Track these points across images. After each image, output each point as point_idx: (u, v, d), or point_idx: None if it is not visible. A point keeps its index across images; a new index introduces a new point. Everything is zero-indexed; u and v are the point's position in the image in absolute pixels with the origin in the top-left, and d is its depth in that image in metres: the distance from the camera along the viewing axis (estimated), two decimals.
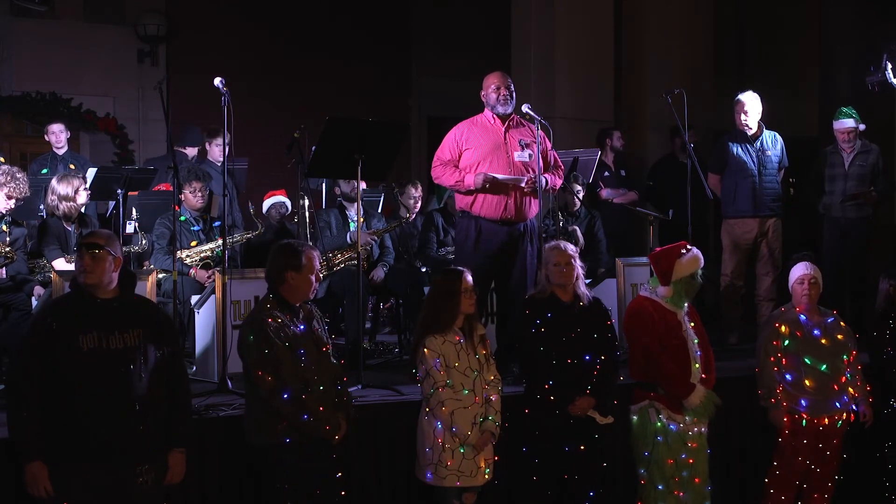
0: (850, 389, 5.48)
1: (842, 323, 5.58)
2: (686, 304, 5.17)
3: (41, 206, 6.58)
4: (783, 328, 5.46)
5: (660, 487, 5.01)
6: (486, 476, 4.78)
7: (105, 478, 3.88)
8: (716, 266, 7.95)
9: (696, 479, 5.04)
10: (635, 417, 5.13)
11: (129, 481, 3.93)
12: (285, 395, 4.25)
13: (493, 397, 4.83)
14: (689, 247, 5.20)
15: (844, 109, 7.64)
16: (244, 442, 4.46)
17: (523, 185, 5.67)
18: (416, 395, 4.97)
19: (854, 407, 5.51)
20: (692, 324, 5.14)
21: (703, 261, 5.19)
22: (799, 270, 5.52)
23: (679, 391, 4.99)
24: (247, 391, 4.50)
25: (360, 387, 5.44)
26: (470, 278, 4.86)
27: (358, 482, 4.93)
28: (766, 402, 5.47)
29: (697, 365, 5.06)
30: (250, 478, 4.62)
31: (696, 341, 5.10)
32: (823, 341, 5.43)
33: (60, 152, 8.54)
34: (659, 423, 5.02)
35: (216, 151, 7.96)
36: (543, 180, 5.75)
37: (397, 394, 5.37)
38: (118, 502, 3.93)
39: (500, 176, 5.65)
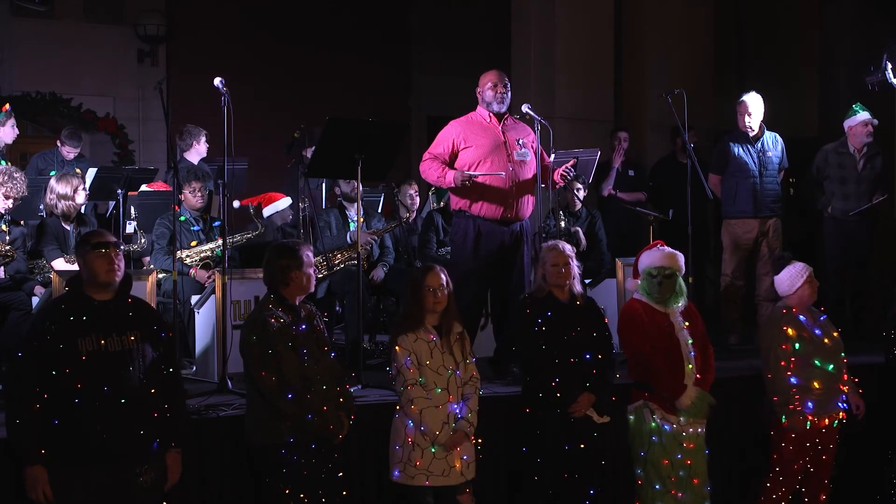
0: (843, 387, 5.39)
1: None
2: (681, 304, 5.14)
3: (41, 206, 6.59)
4: (790, 331, 5.27)
5: (657, 487, 5.00)
6: (463, 476, 4.68)
7: (105, 479, 3.88)
8: (716, 266, 7.95)
9: (695, 480, 5.03)
10: (631, 417, 5.12)
11: (129, 482, 3.93)
12: (289, 395, 4.25)
13: (470, 396, 4.76)
14: (661, 247, 5.16)
15: (856, 106, 7.50)
16: (244, 442, 4.47)
17: (560, 174, 5.76)
18: None
19: (844, 405, 5.40)
20: (687, 324, 5.11)
21: (665, 262, 5.07)
22: (802, 270, 5.36)
23: (670, 392, 4.98)
24: (248, 391, 4.50)
25: (360, 387, 5.44)
26: (441, 276, 4.73)
27: (358, 482, 4.93)
28: (782, 409, 5.22)
29: (691, 365, 5.03)
30: (250, 478, 4.61)
31: (689, 342, 5.07)
32: (826, 341, 5.34)
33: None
34: (653, 424, 5.02)
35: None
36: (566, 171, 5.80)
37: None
38: (119, 503, 3.93)
39: (478, 173, 5.66)
